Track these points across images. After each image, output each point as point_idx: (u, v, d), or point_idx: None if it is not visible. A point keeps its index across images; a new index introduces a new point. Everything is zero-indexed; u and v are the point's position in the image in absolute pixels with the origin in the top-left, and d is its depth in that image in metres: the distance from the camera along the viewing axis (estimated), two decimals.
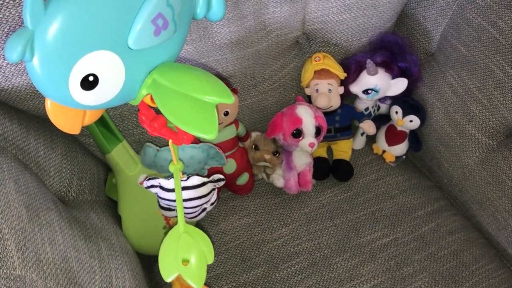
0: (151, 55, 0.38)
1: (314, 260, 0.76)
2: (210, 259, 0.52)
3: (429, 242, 0.77)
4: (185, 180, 0.58)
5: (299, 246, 0.77)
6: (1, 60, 0.54)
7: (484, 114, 0.75)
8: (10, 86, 0.59)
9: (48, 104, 0.37)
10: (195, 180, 0.61)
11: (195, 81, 0.38)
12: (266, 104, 0.83)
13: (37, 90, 0.44)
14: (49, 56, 0.32)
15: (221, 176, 0.62)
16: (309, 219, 0.81)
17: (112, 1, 0.33)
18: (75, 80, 0.34)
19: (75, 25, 0.32)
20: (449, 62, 0.79)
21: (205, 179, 0.60)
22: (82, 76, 0.34)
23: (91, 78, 0.34)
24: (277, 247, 0.77)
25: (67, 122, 0.38)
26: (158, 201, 0.67)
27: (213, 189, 0.63)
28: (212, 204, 0.66)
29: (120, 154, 0.65)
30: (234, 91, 0.74)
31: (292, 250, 0.77)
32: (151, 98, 0.38)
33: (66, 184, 0.68)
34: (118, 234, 0.69)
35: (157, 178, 0.62)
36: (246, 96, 0.80)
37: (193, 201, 0.63)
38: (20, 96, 0.61)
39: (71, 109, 0.37)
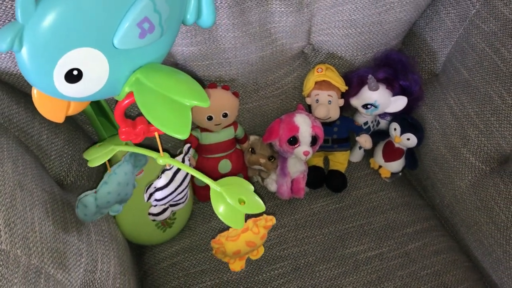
0: (136, 55, 0.40)
1: (297, 265, 0.77)
2: (252, 187, 0.55)
3: (414, 260, 0.78)
4: (170, 168, 0.60)
5: (285, 251, 0.79)
6: None
7: (479, 139, 0.75)
8: (19, 71, 0.62)
9: (35, 93, 0.40)
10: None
11: (175, 84, 0.40)
12: (267, 109, 0.85)
13: None
14: (36, 49, 0.35)
15: (188, 145, 0.64)
16: (298, 225, 0.82)
17: (100, 3, 0.36)
18: (59, 73, 0.36)
19: (63, 23, 0.35)
20: (451, 84, 0.80)
21: (181, 156, 0.62)
22: (66, 70, 0.36)
23: (75, 72, 0.37)
24: None
25: (52, 111, 0.41)
26: (151, 211, 0.69)
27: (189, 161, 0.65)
28: None
29: (117, 144, 0.67)
30: (235, 94, 0.77)
31: (277, 254, 0.79)
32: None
33: (65, 169, 0.71)
34: (109, 221, 0.71)
35: (151, 184, 0.64)
36: (248, 100, 0.82)
37: (184, 182, 0.65)
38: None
39: (56, 99, 0.39)
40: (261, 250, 0.70)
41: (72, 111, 0.43)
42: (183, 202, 0.67)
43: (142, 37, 0.38)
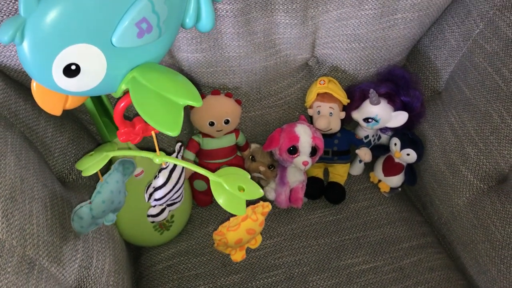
0: (134, 54, 0.42)
1: (291, 274, 0.77)
2: (248, 174, 0.57)
3: (408, 275, 0.77)
4: (166, 167, 0.61)
5: (280, 260, 0.80)
6: None
7: (478, 157, 0.75)
8: None
9: (34, 86, 0.42)
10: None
11: (170, 83, 0.42)
12: (269, 118, 0.86)
13: None
14: (36, 43, 0.37)
15: (179, 144, 0.65)
16: (294, 235, 0.83)
17: (101, 1, 0.38)
18: (58, 67, 0.38)
19: (64, 19, 0.37)
20: (453, 102, 0.80)
21: (174, 154, 0.63)
22: (65, 64, 0.38)
23: (73, 67, 0.39)
24: (258, 257, 0.80)
25: (50, 104, 0.43)
26: (149, 212, 0.70)
27: None
28: None
29: (119, 145, 0.69)
30: (237, 102, 0.78)
31: (272, 262, 0.79)
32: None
33: (68, 167, 0.72)
34: None
35: (149, 185, 0.65)
36: (250, 108, 0.83)
37: (180, 181, 0.66)
38: None
39: (54, 92, 0.41)
40: (259, 239, 0.71)
41: (69, 105, 0.45)
42: (179, 201, 0.68)
43: (140, 36, 0.40)
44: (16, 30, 0.35)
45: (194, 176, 0.81)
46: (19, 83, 0.66)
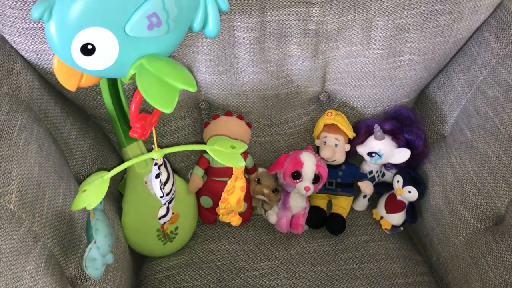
0: (144, 44, 0.49)
1: None
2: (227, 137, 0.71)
3: None
4: (162, 163, 0.66)
5: (275, 282, 0.81)
6: None
7: (477, 197, 0.77)
8: None
9: (55, 62, 0.49)
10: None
11: (171, 70, 0.48)
12: (278, 146, 0.90)
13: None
14: (61, 22, 0.45)
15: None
16: (292, 260, 0.85)
17: None
18: (76, 45, 0.46)
19: (87, 5, 0.44)
20: (456, 144, 0.83)
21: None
22: (82, 43, 0.46)
23: (89, 47, 0.46)
24: (254, 277, 0.82)
25: (67, 79, 0.50)
26: (159, 214, 0.74)
27: None
28: None
29: (134, 151, 0.75)
30: (248, 124, 0.84)
31: (267, 283, 0.81)
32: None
33: (86, 170, 0.78)
34: (114, 221, 0.77)
35: (159, 182, 0.70)
36: (261, 134, 0.88)
37: (173, 173, 0.72)
38: None
39: (72, 69, 0.48)
40: (243, 204, 0.84)
41: (84, 83, 0.51)
42: (174, 197, 0.72)
43: (150, 29, 0.47)
44: (45, 9, 0.43)
45: (200, 192, 0.85)
46: (52, 86, 0.74)
